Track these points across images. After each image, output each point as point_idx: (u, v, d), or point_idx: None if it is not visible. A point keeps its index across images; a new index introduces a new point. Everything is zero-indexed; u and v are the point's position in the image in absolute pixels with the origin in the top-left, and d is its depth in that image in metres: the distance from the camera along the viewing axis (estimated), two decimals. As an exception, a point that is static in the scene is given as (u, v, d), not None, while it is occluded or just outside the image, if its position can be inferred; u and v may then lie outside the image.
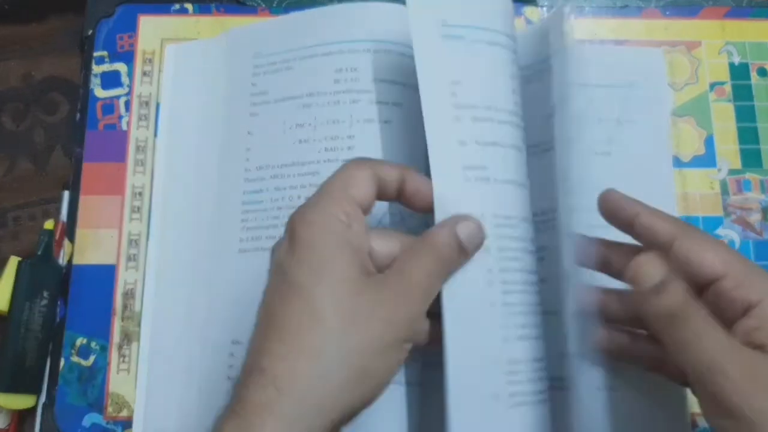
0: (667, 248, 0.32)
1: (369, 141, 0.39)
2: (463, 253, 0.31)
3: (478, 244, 0.32)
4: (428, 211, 0.32)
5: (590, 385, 0.39)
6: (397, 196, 0.32)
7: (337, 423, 0.28)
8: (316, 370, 0.28)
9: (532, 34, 0.41)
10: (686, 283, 0.30)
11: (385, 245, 0.31)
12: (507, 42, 0.36)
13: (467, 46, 0.35)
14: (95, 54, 0.46)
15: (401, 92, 0.40)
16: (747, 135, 0.45)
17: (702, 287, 0.31)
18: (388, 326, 0.29)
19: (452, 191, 0.33)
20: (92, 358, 0.41)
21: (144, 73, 0.45)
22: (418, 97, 0.35)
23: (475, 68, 0.35)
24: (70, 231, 0.43)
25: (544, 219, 0.39)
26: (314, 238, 0.29)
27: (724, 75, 0.46)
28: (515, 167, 0.34)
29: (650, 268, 0.30)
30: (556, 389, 0.38)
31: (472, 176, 0.33)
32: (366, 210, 0.31)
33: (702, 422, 0.40)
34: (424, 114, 0.33)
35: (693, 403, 0.39)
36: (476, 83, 0.35)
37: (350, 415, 0.29)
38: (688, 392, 0.39)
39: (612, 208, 0.34)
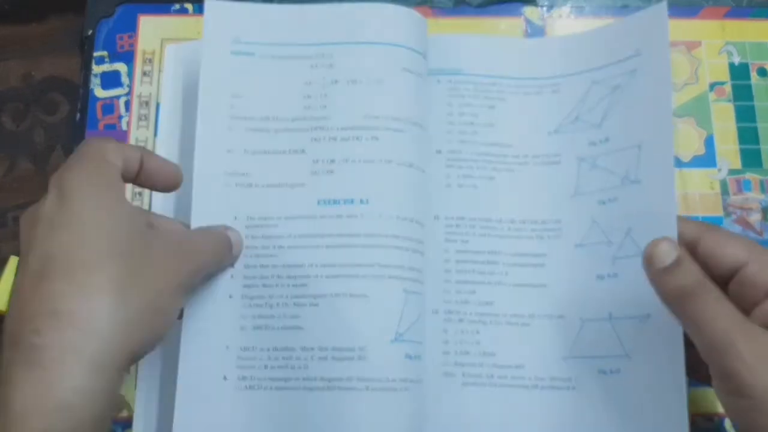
0: (693, 247, 0.33)
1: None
2: (231, 251, 0.37)
3: (240, 251, 0.38)
4: (169, 190, 0.36)
5: (589, 386, 0.39)
6: (137, 178, 0.34)
7: (135, 357, 0.29)
8: (113, 308, 0.28)
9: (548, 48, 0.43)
10: (711, 276, 0.32)
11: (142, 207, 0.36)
12: (302, 53, 0.40)
13: (255, 61, 0.40)
14: (95, 54, 0.46)
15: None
16: (747, 135, 0.45)
17: (728, 279, 0.33)
18: (177, 270, 0.31)
19: (210, 194, 0.38)
20: (92, 358, 0.41)
21: (144, 73, 0.45)
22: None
23: (259, 82, 0.40)
24: (70, 231, 0.43)
25: (545, 228, 0.41)
26: (86, 191, 0.30)
27: (724, 75, 0.46)
28: (287, 171, 0.39)
29: (665, 248, 0.32)
30: (549, 388, 0.38)
31: (233, 182, 0.38)
32: (123, 179, 0.32)
33: (702, 422, 0.40)
34: (198, 123, 0.38)
35: (693, 403, 0.40)
36: (257, 96, 0.40)
37: (146, 349, 0.30)
38: (688, 392, 0.39)
39: None
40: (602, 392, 0.38)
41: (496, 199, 0.41)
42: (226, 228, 0.37)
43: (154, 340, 0.31)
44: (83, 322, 0.27)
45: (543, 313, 0.39)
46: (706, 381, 0.32)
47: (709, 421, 0.40)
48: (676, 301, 0.32)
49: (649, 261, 0.32)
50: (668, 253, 0.32)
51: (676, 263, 0.32)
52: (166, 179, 0.35)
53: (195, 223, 0.37)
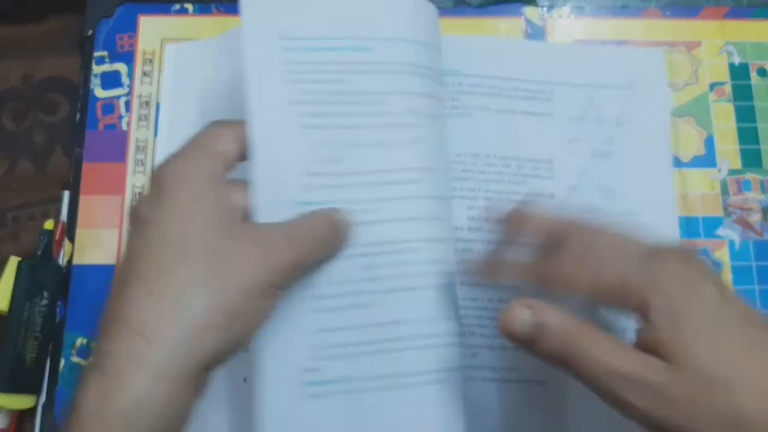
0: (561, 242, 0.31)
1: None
2: (341, 236, 0.33)
3: (349, 237, 0.33)
4: None
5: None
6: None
7: (208, 365, 0.28)
8: (184, 315, 0.27)
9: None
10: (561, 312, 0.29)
11: (245, 195, 0.32)
12: (353, 45, 0.36)
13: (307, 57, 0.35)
14: (95, 54, 0.46)
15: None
16: (747, 135, 0.45)
17: None
18: (260, 270, 0.29)
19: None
20: (92, 359, 0.41)
21: (144, 74, 0.45)
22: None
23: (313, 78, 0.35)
24: (70, 231, 0.43)
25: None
26: (181, 189, 0.29)
27: (724, 75, 0.46)
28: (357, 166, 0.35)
29: (517, 318, 0.29)
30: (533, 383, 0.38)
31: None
32: (229, 166, 0.31)
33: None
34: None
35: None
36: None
37: (221, 357, 0.28)
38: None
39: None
40: None
41: None
42: (333, 210, 0.33)
43: (231, 348, 0.29)
44: (149, 330, 0.26)
45: None
46: None
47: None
48: (553, 362, 0.29)
49: (509, 337, 0.30)
50: (523, 325, 0.29)
51: (536, 332, 0.29)
52: None
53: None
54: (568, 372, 0.29)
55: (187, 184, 0.29)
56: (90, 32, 0.46)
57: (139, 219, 0.29)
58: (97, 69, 0.45)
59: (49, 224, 0.43)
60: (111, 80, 0.45)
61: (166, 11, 0.46)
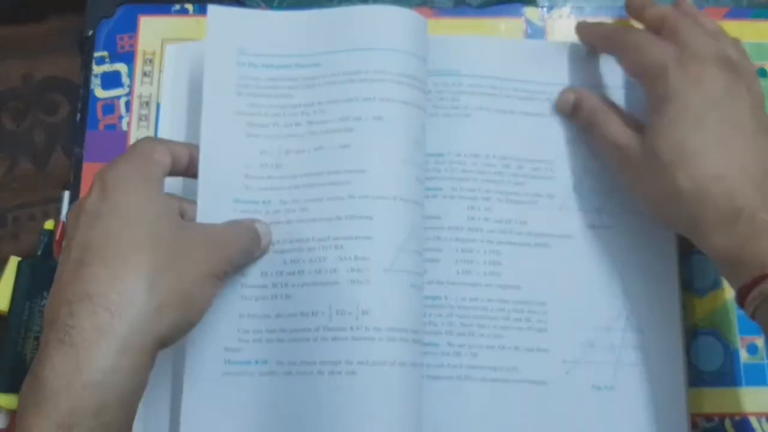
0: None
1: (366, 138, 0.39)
2: (259, 243, 0.37)
3: (268, 244, 0.38)
4: None
5: (588, 384, 0.39)
6: (185, 172, 0.37)
7: (164, 341, 0.31)
8: (145, 293, 0.30)
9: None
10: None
11: (179, 200, 0.37)
12: (301, 62, 0.40)
13: (259, 73, 0.40)
14: (95, 54, 0.46)
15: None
16: (747, 135, 0.45)
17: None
18: (208, 260, 0.33)
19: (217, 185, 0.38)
20: (92, 359, 0.41)
21: (144, 74, 0.45)
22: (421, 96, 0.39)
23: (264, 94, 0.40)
24: (70, 231, 0.43)
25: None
26: (129, 186, 0.32)
27: (724, 75, 0.45)
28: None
29: (566, 97, 0.42)
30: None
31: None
32: (164, 175, 0.35)
33: (702, 422, 0.40)
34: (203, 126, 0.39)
35: (693, 404, 0.40)
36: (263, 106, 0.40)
37: (175, 335, 0.32)
38: (688, 392, 0.39)
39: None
40: (601, 391, 0.39)
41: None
42: (254, 221, 0.37)
43: (184, 327, 0.32)
44: (115, 306, 0.29)
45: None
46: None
47: (709, 421, 0.40)
48: (584, 126, 0.41)
49: (560, 107, 0.42)
50: (569, 98, 0.41)
51: (576, 102, 0.41)
52: None
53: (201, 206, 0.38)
54: (591, 134, 0.40)
55: (134, 183, 0.32)
56: (90, 32, 0.46)
57: (87, 213, 0.32)
58: (97, 69, 0.45)
59: (49, 224, 0.43)
60: (111, 80, 0.45)
61: (167, 11, 0.46)
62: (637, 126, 0.38)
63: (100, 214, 0.31)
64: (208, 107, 0.39)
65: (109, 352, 0.28)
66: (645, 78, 0.38)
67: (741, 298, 0.33)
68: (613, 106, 0.41)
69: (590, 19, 0.46)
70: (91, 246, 0.30)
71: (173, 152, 0.35)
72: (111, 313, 0.29)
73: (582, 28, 0.43)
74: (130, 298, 0.29)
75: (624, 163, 0.38)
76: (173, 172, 0.36)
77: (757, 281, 0.32)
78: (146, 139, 0.36)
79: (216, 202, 0.38)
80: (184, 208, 0.37)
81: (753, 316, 0.33)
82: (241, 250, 0.36)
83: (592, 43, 0.42)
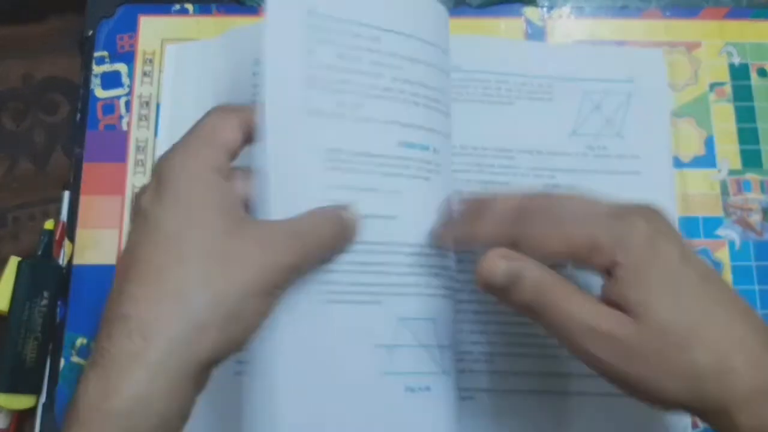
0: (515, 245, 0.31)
1: None
2: (346, 235, 0.32)
3: (354, 235, 0.33)
4: None
5: (591, 391, 0.39)
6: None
7: (207, 364, 0.28)
8: (181, 313, 0.27)
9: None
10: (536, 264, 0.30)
11: (249, 185, 0.31)
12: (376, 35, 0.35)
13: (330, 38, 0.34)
14: (95, 54, 0.46)
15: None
16: (747, 135, 0.45)
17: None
18: (261, 270, 0.28)
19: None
20: (92, 359, 0.41)
21: (144, 74, 0.45)
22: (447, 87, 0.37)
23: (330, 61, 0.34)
24: (70, 231, 0.43)
25: None
26: (182, 183, 0.29)
27: (724, 75, 0.46)
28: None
29: (492, 268, 0.30)
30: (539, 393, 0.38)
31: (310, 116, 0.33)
32: (233, 155, 0.31)
33: (702, 422, 0.40)
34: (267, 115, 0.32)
35: (693, 404, 0.40)
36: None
37: (220, 356, 0.28)
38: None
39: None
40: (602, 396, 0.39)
41: None
42: (340, 209, 0.32)
43: (230, 348, 0.28)
44: (149, 329, 0.27)
45: None
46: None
47: (710, 421, 0.40)
48: (527, 312, 0.30)
49: (485, 287, 0.31)
50: (498, 275, 0.30)
51: (510, 282, 0.30)
52: None
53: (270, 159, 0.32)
54: (539, 323, 0.30)
55: (189, 179, 0.29)
56: (90, 32, 0.46)
57: (140, 212, 0.29)
58: (97, 69, 0.45)
59: (49, 224, 0.43)
60: (111, 80, 0.45)
61: (167, 11, 0.46)
62: (603, 301, 0.30)
63: (149, 217, 0.29)
64: (272, 81, 0.32)
65: (140, 379, 0.26)
66: (589, 257, 0.30)
67: None
68: (563, 277, 0.30)
69: (589, 19, 0.46)
70: (135, 259, 0.28)
71: (247, 123, 0.31)
72: (144, 337, 0.26)
73: (438, 232, 0.35)
74: (165, 321, 0.27)
75: (613, 354, 0.29)
76: (249, 142, 0.31)
77: None
78: (214, 111, 0.31)
79: (287, 200, 0.32)
80: (237, 191, 0.31)
81: None
82: (317, 252, 0.31)
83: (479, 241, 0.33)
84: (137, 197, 0.30)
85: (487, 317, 0.39)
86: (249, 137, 0.31)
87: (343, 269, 0.33)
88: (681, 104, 0.45)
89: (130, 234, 0.30)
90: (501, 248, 0.30)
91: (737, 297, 0.30)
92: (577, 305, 0.29)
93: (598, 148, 0.42)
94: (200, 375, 0.28)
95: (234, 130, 0.31)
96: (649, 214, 0.30)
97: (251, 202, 0.31)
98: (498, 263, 0.30)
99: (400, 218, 0.34)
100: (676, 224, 0.42)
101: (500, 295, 0.30)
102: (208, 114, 0.31)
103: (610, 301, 0.29)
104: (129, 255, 0.29)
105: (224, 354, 0.28)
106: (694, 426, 0.40)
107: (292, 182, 0.32)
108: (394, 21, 0.35)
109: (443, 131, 0.37)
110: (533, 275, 0.30)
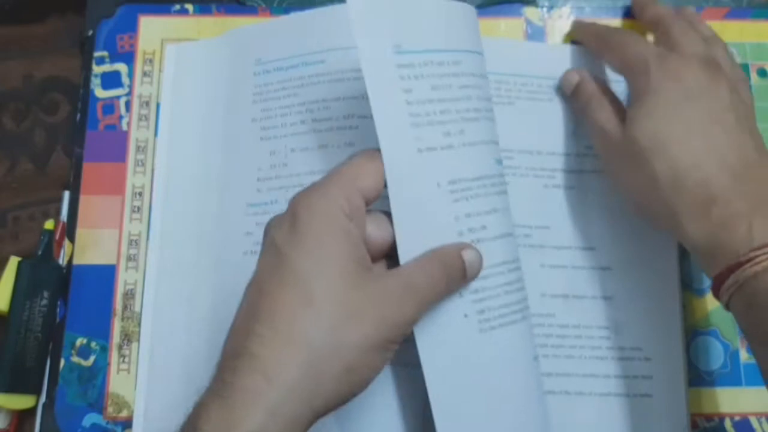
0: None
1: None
2: (464, 277, 0.32)
3: (477, 273, 0.33)
4: None
5: (591, 391, 0.39)
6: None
7: (320, 413, 0.29)
8: (306, 361, 0.28)
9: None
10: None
11: (379, 232, 0.32)
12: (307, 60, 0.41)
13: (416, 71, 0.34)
14: (95, 54, 0.46)
15: None
16: (747, 135, 0.45)
17: None
18: (380, 325, 0.29)
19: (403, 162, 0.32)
20: (92, 359, 0.41)
21: (144, 74, 0.45)
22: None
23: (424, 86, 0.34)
24: (70, 231, 0.43)
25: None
26: (316, 225, 0.29)
27: (724, 75, 0.46)
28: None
29: (568, 80, 0.42)
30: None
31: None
32: (370, 201, 0.31)
33: (702, 422, 0.40)
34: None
35: (693, 403, 0.40)
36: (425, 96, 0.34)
37: (333, 406, 0.29)
38: (688, 392, 0.39)
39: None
40: (602, 397, 0.39)
41: None
42: (460, 248, 0.32)
43: (344, 397, 0.29)
44: (272, 371, 0.27)
45: None
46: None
47: (709, 420, 0.40)
48: (582, 108, 0.41)
49: (565, 89, 0.43)
50: (571, 83, 0.42)
51: (575, 90, 0.42)
52: None
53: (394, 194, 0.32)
54: (585, 118, 0.41)
55: (324, 222, 0.30)
56: (90, 32, 0.46)
57: (272, 245, 0.30)
58: (97, 69, 0.45)
59: (49, 224, 0.43)
60: (111, 80, 0.45)
61: (167, 11, 0.46)
62: (625, 117, 0.38)
63: (282, 254, 0.29)
64: (227, 118, 0.37)
65: (259, 417, 0.27)
66: (628, 73, 0.39)
67: (716, 288, 0.33)
68: (610, 94, 0.41)
69: (589, 20, 0.46)
70: (265, 295, 0.29)
71: (382, 170, 0.31)
72: (267, 378, 0.27)
73: (576, 27, 0.44)
74: (289, 366, 0.27)
75: (606, 150, 0.39)
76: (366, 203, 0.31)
77: (731, 269, 0.32)
78: (360, 155, 0.32)
79: (423, 228, 0.33)
80: (367, 235, 0.31)
81: (727, 306, 0.33)
82: (431, 300, 0.31)
83: (585, 41, 0.44)
84: (272, 230, 0.30)
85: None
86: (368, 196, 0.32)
87: (494, 294, 0.33)
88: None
89: (261, 265, 0.30)
90: (578, 69, 0.43)
91: (734, 124, 0.35)
92: (603, 113, 0.39)
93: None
94: (314, 420, 0.29)
95: (374, 176, 0.31)
96: (707, 64, 0.37)
97: (388, 245, 0.32)
98: (574, 75, 0.42)
99: (511, 233, 0.35)
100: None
101: (570, 96, 0.42)
102: (351, 157, 0.32)
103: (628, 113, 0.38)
104: (258, 289, 0.30)
105: (336, 405, 0.29)
106: (694, 426, 0.40)
107: (420, 220, 0.32)
108: (465, 41, 0.36)
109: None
110: (586, 88, 0.41)
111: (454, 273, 0.32)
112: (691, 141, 0.35)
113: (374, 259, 0.32)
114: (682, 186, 0.34)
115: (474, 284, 0.33)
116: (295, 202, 0.30)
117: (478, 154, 0.34)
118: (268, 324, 0.28)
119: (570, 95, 0.42)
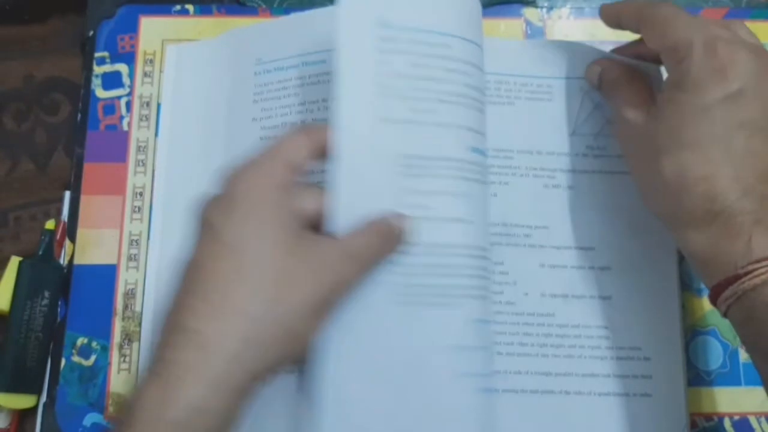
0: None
1: None
2: (399, 244, 0.33)
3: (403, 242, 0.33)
4: None
5: (591, 391, 0.39)
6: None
7: (261, 378, 0.29)
8: (242, 331, 0.28)
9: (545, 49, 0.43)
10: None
11: (313, 205, 0.32)
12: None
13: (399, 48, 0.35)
14: (96, 55, 0.46)
15: None
16: (746, 136, 0.45)
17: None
18: (318, 289, 0.30)
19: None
20: (93, 358, 0.41)
21: (145, 74, 0.45)
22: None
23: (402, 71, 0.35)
24: (71, 231, 0.43)
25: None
26: (248, 198, 0.30)
27: (724, 76, 0.46)
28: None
29: (591, 70, 0.40)
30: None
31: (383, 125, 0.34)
32: (299, 172, 0.32)
33: (701, 422, 0.40)
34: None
35: (692, 403, 0.40)
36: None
37: (274, 371, 0.29)
38: (687, 392, 0.39)
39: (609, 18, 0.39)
40: (602, 396, 0.39)
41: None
42: (389, 218, 0.33)
43: (286, 362, 0.30)
44: (210, 343, 0.27)
45: None
46: None
47: (709, 420, 0.40)
48: (606, 98, 0.40)
49: (588, 80, 0.41)
50: (593, 73, 0.40)
51: (599, 80, 0.39)
52: None
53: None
54: (609, 105, 0.39)
55: (255, 194, 0.30)
56: (91, 33, 0.46)
57: (206, 223, 0.30)
58: (98, 69, 0.45)
59: (50, 224, 0.43)
60: (112, 81, 0.45)
61: (167, 12, 0.47)
62: (650, 104, 0.36)
63: (216, 231, 0.30)
64: (344, 91, 0.34)
65: (197, 392, 0.27)
66: (668, 55, 0.34)
67: (713, 298, 0.33)
68: (637, 79, 0.38)
69: (589, 20, 0.46)
70: (199, 270, 0.29)
71: (320, 143, 0.32)
72: (204, 351, 0.27)
73: (607, 8, 0.39)
74: (226, 336, 0.28)
75: (625, 137, 0.37)
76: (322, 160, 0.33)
77: (729, 281, 0.31)
78: (288, 132, 0.32)
79: (355, 215, 0.33)
80: (302, 207, 0.31)
81: (725, 315, 0.33)
82: (366, 265, 0.32)
83: (617, 21, 0.38)
84: (206, 210, 0.31)
85: (487, 317, 0.40)
86: (320, 155, 0.32)
87: (417, 272, 0.33)
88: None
89: (197, 244, 0.30)
90: (601, 59, 0.40)
91: (763, 128, 0.32)
92: (626, 99, 0.37)
93: (598, 148, 0.42)
94: (253, 388, 0.29)
95: (301, 148, 0.32)
96: (758, 53, 0.33)
97: (321, 216, 0.32)
98: (594, 66, 0.40)
99: (470, 221, 0.35)
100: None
101: (596, 88, 0.40)
102: (282, 134, 0.32)
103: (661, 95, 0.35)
104: (193, 266, 0.30)
105: (278, 369, 0.30)
106: (693, 425, 0.40)
107: (364, 189, 0.33)
108: (460, 27, 0.36)
109: (486, 135, 0.37)
110: (609, 75, 0.39)
111: (390, 239, 0.32)
112: (710, 150, 0.32)
113: (309, 226, 0.32)
114: (687, 194, 0.32)
115: (405, 258, 0.33)
116: (227, 178, 0.31)
117: (446, 135, 0.34)
118: (201, 297, 0.28)
119: (596, 86, 0.40)
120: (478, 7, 0.38)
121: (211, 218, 0.30)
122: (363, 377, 0.33)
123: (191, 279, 0.29)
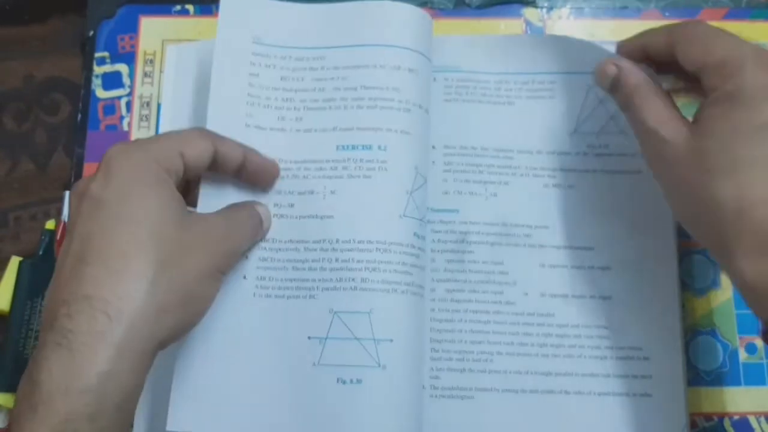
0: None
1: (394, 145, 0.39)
2: (262, 228, 0.37)
3: (269, 227, 0.37)
4: (269, 188, 0.38)
5: (591, 391, 0.39)
6: (237, 174, 0.36)
7: (164, 342, 0.30)
8: (145, 295, 0.29)
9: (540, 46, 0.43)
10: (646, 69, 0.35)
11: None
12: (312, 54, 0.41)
13: (272, 63, 0.40)
14: (96, 55, 0.46)
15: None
16: (746, 136, 0.45)
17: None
18: (212, 256, 0.32)
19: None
20: (93, 358, 0.41)
21: (145, 74, 0.45)
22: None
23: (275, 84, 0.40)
24: (71, 231, 0.43)
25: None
26: (132, 173, 0.31)
27: (723, 76, 0.46)
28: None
29: (604, 70, 0.36)
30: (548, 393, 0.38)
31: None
32: (191, 170, 0.34)
33: (701, 422, 0.40)
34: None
35: (692, 403, 0.40)
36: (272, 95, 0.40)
37: (176, 335, 0.31)
38: (687, 392, 0.39)
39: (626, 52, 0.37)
40: (601, 396, 0.39)
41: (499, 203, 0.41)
42: (255, 204, 0.37)
43: (185, 327, 0.32)
44: (114, 309, 0.28)
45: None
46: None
47: (709, 420, 0.40)
48: (623, 110, 0.36)
49: (597, 82, 0.37)
50: (608, 75, 0.36)
51: (615, 80, 0.35)
52: (267, 179, 0.37)
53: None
54: (628, 116, 0.35)
55: (139, 170, 0.31)
56: (91, 33, 0.46)
57: (90, 199, 0.31)
58: (98, 69, 0.46)
59: (50, 224, 0.43)
60: (112, 81, 0.45)
61: (167, 12, 0.47)
62: (682, 117, 0.33)
63: (102, 203, 0.30)
64: (215, 98, 0.38)
65: (107, 358, 0.27)
66: (714, 71, 0.32)
67: (767, 333, 0.31)
68: (660, 88, 0.35)
69: (589, 20, 0.46)
70: (92, 240, 0.29)
71: (219, 151, 0.35)
72: (109, 317, 0.28)
73: (627, 43, 0.37)
74: (130, 301, 0.28)
75: (661, 157, 0.33)
76: (220, 170, 0.36)
77: None
78: (192, 129, 0.35)
79: (218, 188, 0.37)
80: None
81: None
82: (245, 239, 0.36)
83: (642, 50, 0.36)
84: (83, 185, 0.31)
85: (487, 317, 0.40)
86: (222, 165, 0.35)
87: (280, 267, 0.37)
88: (681, 104, 0.45)
89: (77, 217, 0.31)
90: (615, 57, 0.36)
91: None
92: (657, 113, 0.33)
93: (600, 146, 0.42)
94: (156, 352, 0.30)
95: (200, 151, 0.34)
96: None
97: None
98: (608, 68, 0.36)
99: (336, 217, 0.37)
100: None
101: (609, 92, 0.36)
102: (185, 129, 0.35)
103: (695, 117, 0.33)
104: (81, 236, 0.30)
105: (180, 334, 0.31)
106: (693, 425, 0.40)
107: (227, 186, 0.37)
108: (337, 37, 0.40)
109: (397, 127, 0.38)
110: (629, 80, 0.35)
111: (256, 220, 0.36)
112: (761, 171, 0.29)
113: None
114: (746, 219, 0.29)
115: (262, 253, 0.37)
116: (107, 154, 0.32)
117: (311, 140, 0.39)
118: (99, 264, 0.29)
119: (609, 90, 0.36)
120: (377, 7, 0.40)
121: (93, 191, 0.31)
122: (222, 361, 0.36)
123: (83, 251, 0.29)
